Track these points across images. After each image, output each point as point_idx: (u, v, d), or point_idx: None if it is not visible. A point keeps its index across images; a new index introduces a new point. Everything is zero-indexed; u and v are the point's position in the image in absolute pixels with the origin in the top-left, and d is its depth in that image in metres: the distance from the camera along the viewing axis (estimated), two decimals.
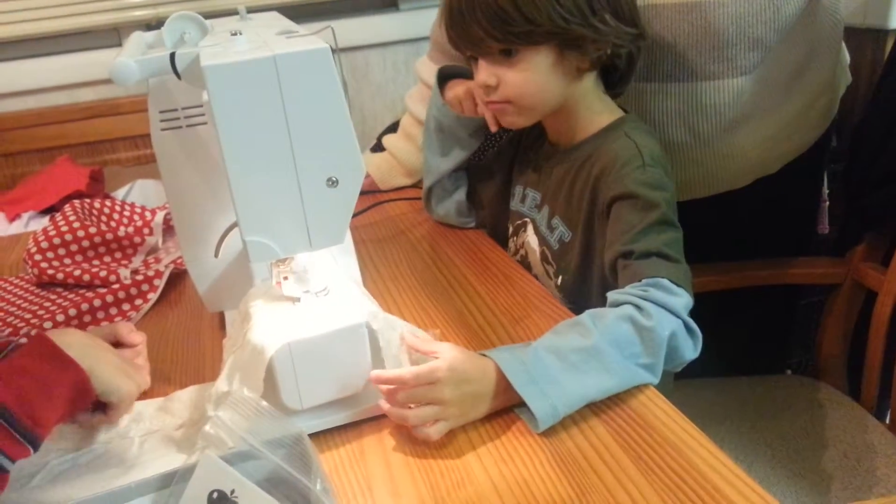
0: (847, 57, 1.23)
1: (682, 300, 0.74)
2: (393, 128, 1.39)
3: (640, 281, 0.75)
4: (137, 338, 0.79)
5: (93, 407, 0.71)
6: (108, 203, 1.23)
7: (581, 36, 0.82)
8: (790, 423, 1.08)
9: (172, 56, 0.69)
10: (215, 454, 0.53)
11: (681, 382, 1.07)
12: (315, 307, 0.70)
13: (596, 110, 0.91)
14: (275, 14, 0.89)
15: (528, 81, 0.86)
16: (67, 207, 1.17)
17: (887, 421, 1.07)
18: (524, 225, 1.01)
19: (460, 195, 1.13)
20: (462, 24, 0.85)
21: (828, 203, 1.40)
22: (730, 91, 1.01)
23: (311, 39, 0.65)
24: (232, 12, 0.88)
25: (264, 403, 0.56)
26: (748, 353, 1.30)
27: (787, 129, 1.11)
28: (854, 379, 1.14)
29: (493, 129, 0.99)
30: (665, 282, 0.74)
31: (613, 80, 0.92)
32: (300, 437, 0.55)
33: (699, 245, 0.90)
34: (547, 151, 0.98)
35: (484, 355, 0.69)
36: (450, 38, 0.90)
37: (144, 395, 0.79)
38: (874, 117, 1.29)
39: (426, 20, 1.26)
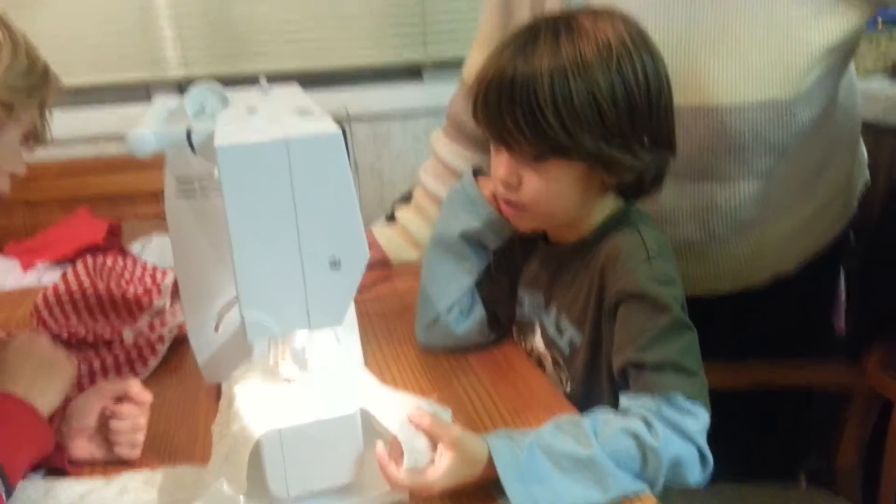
0: (865, 155, 1.22)
1: (700, 421, 0.71)
2: (408, 196, 1.39)
3: (653, 396, 0.71)
4: (147, 397, 0.79)
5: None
6: (120, 261, 1.23)
7: (617, 160, 0.78)
8: None
9: (189, 131, 0.70)
10: None
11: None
12: (310, 391, 0.69)
13: (599, 208, 0.85)
14: (295, 89, 0.91)
15: (550, 190, 0.80)
16: (80, 264, 1.17)
17: None
18: (531, 327, 0.95)
19: (481, 311, 0.98)
20: (496, 113, 0.78)
21: (845, 302, 1.37)
22: (745, 192, 0.99)
23: (325, 122, 0.66)
24: (256, 76, 0.89)
25: (242, 500, 0.53)
26: (760, 456, 1.25)
27: (804, 229, 1.10)
28: (871, 493, 1.09)
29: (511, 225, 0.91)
30: (680, 399, 0.70)
31: (633, 193, 0.85)
32: None
33: (709, 342, 0.87)
34: (546, 250, 0.92)
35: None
36: (475, 112, 0.83)
37: (132, 465, 0.77)
38: (891, 216, 1.28)
39: (450, 92, 1.24)
